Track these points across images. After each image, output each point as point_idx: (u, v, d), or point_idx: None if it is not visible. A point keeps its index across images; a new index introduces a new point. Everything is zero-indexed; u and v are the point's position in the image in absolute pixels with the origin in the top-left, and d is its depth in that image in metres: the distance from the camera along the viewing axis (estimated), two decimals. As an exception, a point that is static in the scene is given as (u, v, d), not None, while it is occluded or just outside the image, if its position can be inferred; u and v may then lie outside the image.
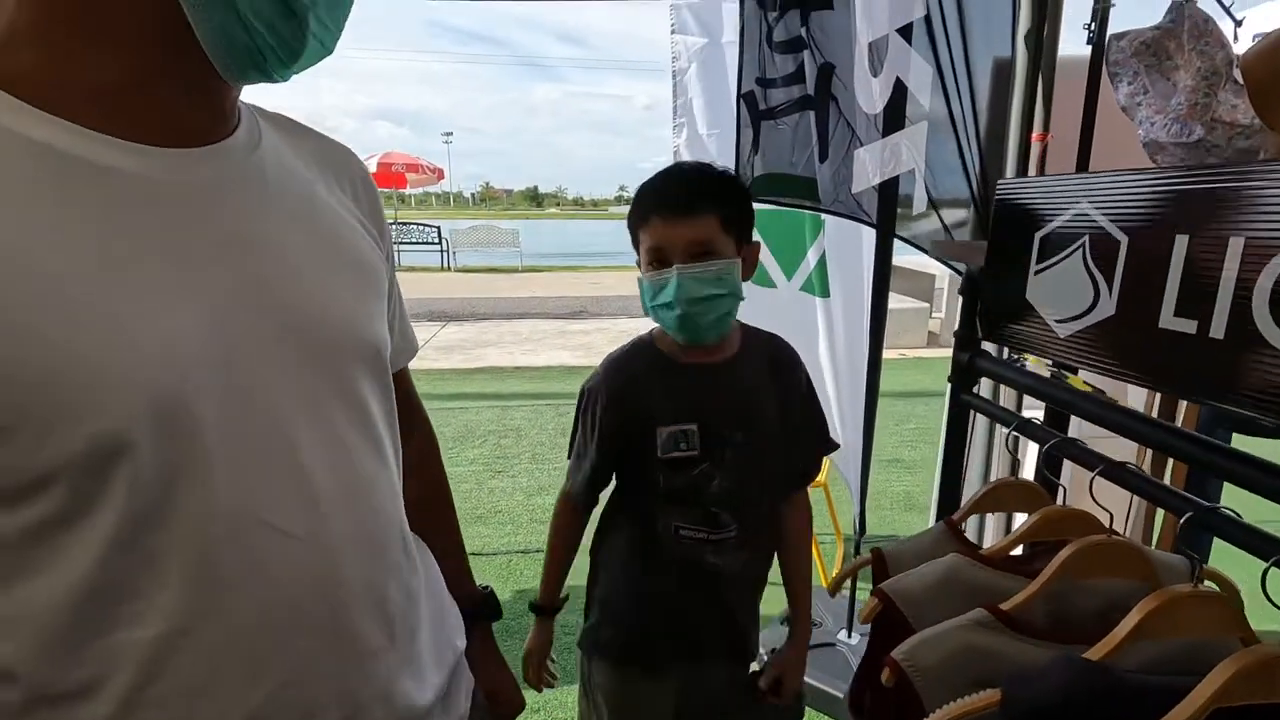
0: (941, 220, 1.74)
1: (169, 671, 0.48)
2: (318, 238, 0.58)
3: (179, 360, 0.46)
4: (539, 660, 1.25)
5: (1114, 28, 1.47)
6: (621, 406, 1.10)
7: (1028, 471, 1.80)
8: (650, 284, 1.02)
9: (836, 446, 1.23)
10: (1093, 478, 0.73)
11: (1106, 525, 0.78)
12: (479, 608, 0.86)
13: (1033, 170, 1.58)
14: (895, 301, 6.94)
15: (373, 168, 13.95)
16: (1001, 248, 0.77)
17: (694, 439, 1.07)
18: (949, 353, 0.98)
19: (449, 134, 66.66)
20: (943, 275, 6.54)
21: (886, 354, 2.01)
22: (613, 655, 1.19)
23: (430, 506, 0.81)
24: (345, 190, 0.63)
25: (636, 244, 1.05)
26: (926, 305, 7.47)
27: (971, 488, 1.63)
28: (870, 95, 1.70)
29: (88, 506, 0.45)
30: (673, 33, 2.31)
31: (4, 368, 0.41)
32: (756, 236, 1.09)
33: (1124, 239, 0.60)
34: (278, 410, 0.52)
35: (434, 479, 0.85)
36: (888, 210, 1.75)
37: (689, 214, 0.98)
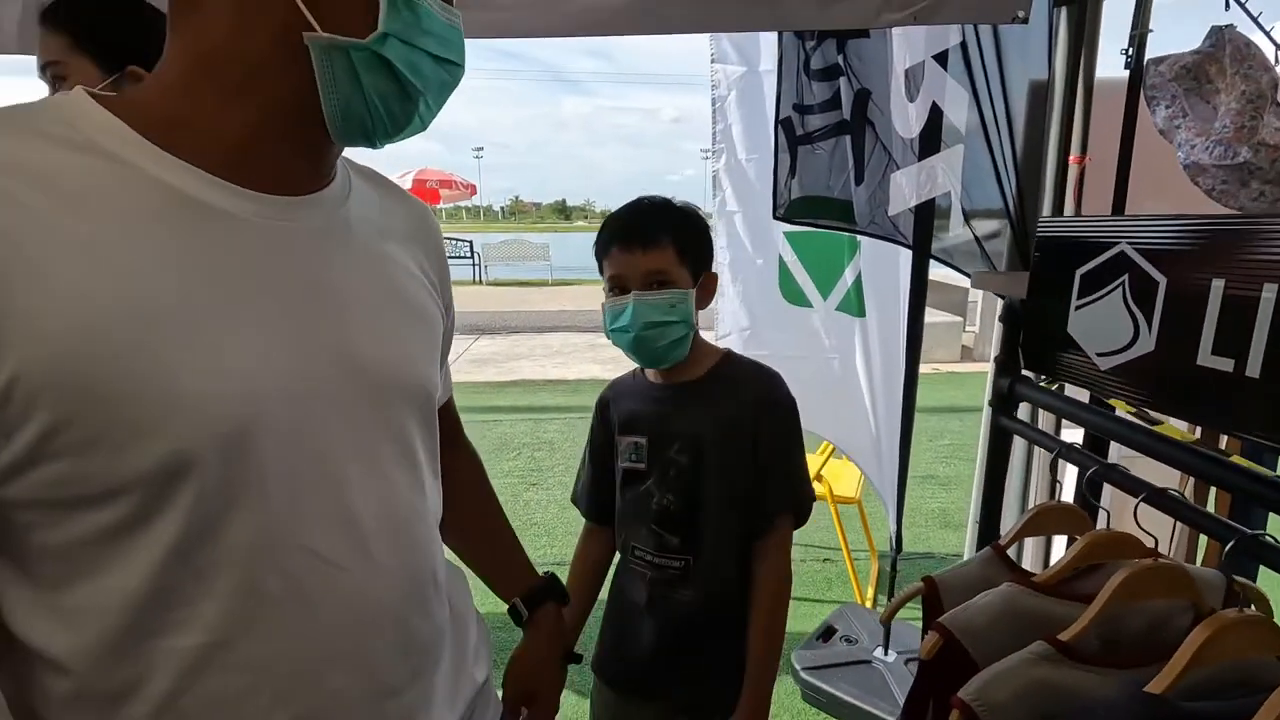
0: (975, 236, 1.76)
1: (203, 682, 0.52)
2: (386, 288, 0.62)
3: (249, 393, 0.50)
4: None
5: (1150, 52, 1.49)
6: (603, 415, 1.20)
7: (1067, 493, 1.79)
8: (610, 309, 1.08)
9: (800, 508, 1.14)
10: (1137, 504, 0.76)
11: (1152, 549, 0.80)
12: (546, 593, 0.90)
13: (1070, 193, 1.59)
14: (929, 316, 6.87)
15: (407, 184, 14.27)
16: (1043, 282, 0.80)
17: (643, 452, 1.12)
18: (983, 367, 1.01)
19: (480, 149, 67.75)
20: (976, 289, 6.46)
21: (920, 369, 2.02)
22: (600, 673, 1.22)
23: (485, 518, 0.88)
24: (417, 244, 0.69)
25: (601, 271, 1.11)
26: (960, 319, 7.39)
27: (1009, 508, 1.63)
28: (906, 120, 1.73)
29: (152, 517, 0.48)
30: (712, 61, 2.38)
31: (98, 384, 0.45)
32: (720, 262, 1.13)
33: (1162, 280, 0.63)
34: (333, 445, 0.55)
35: (486, 494, 0.90)
36: (924, 231, 1.78)
37: (646, 245, 1.05)
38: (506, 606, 0.89)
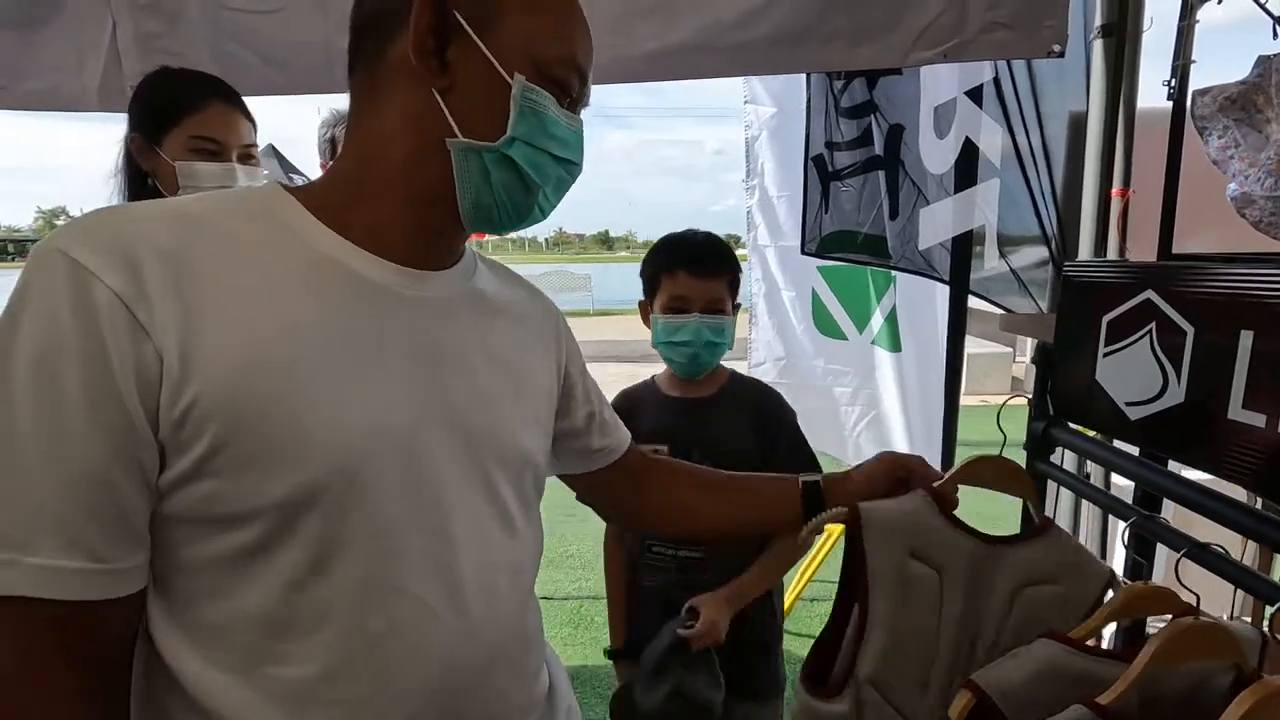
0: (1011, 269, 1.72)
1: (305, 714, 0.55)
2: (495, 358, 0.68)
3: (367, 437, 0.55)
4: None
5: (1194, 82, 1.45)
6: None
7: (1118, 545, 1.71)
8: (667, 324, 1.24)
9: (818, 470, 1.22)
10: (1178, 560, 0.72)
11: (1192, 605, 0.76)
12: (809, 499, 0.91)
13: (1114, 227, 1.55)
14: (977, 346, 6.71)
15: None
16: (1070, 327, 0.78)
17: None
18: None
19: (525, 183, 69.11)
20: (1027, 318, 6.27)
21: (968, 400, 1.97)
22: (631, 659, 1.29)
23: (710, 477, 0.97)
24: (532, 324, 0.76)
25: (654, 288, 1.27)
26: (1009, 350, 7.17)
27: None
28: (936, 156, 1.72)
29: (277, 544, 0.53)
30: (745, 103, 2.43)
31: (252, 414, 0.51)
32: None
33: (1190, 329, 0.61)
34: (439, 496, 0.60)
35: (697, 472, 0.98)
36: (961, 265, 1.75)
37: (712, 273, 1.22)
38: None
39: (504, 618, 0.65)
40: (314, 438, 0.53)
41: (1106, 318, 0.70)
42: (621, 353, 9.71)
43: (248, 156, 1.19)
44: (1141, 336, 0.66)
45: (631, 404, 1.33)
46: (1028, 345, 7.37)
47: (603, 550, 1.39)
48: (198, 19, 1.45)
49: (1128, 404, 0.68)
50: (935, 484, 0.79)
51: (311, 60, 1.49)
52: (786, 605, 2.50)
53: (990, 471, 0.81)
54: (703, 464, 1.16)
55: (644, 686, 1.13)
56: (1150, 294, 0.65)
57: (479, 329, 0.67)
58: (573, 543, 3.52)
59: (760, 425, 1.27)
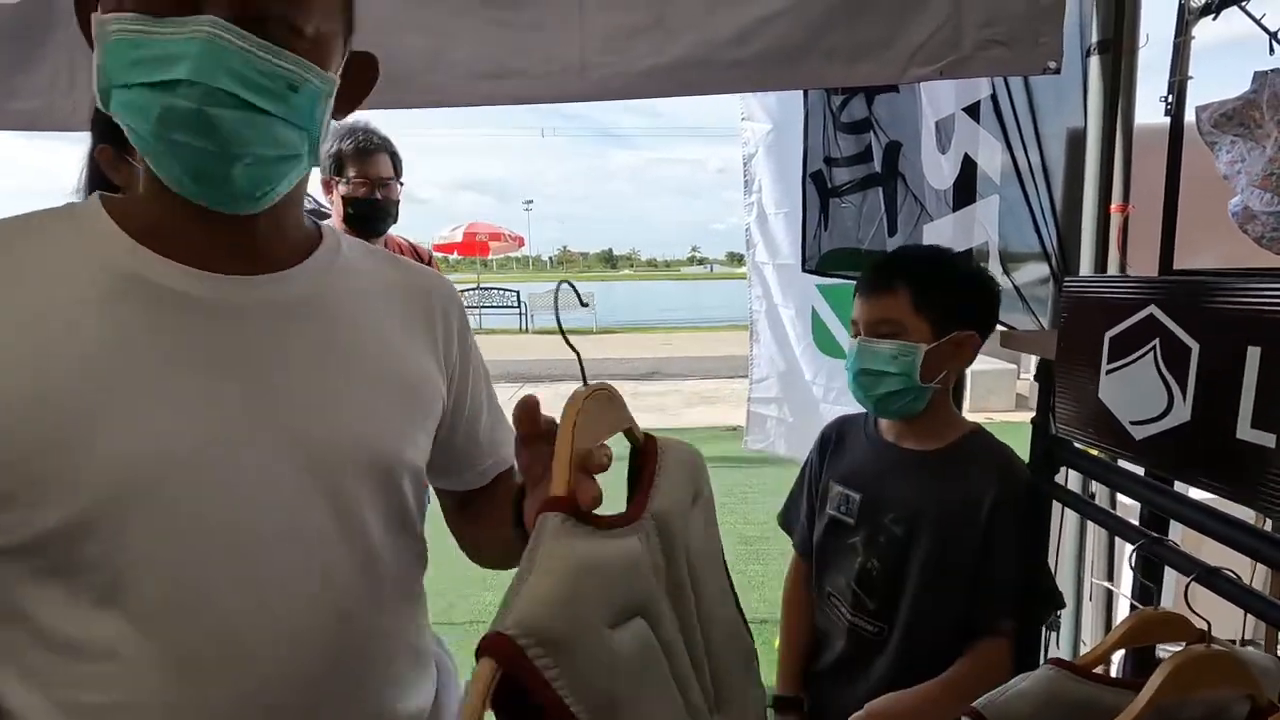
0: (1014, 285, 1.71)
1: None
2: (359, 362, 0.62)
3: (158, 457, 0.52)
4: None
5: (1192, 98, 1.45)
6: (820, 449, 1.20)
7: (1128, 554, 1.68)
8: (847, 350, 1.09)
9: (1032, 617, 1.01)
10: (1188, 585, 0.70)
11: (1203, 631, 0.73)
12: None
13: (1114, 243, 1.54)
14: (981, 363, 6.66)
15: (458, 237, 14.78)
16: (1072, 344, 0.76)
17: (854, 508, 1.08)
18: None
19: (529, 201, 70.10)
20: (1029, 335, 6.25)
21: (974, 417, 1.94)
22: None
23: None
24: (419, 319, 0.69)
25: None
26: (1014, 366, 7.14)
27: (1065, 579, 1.53)
28: (938, 172, 1.71)
29: (64, 572, 0.52)
30: (742, 119, 2.44)
31: (23, 456, 0.50)
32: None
33: (1195, 345, 0.59)
34: (250, 514, 0.56)
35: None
36: (961, 283, 1.74)
37: (877, 291, 1.04)
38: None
39: (347, 637, 0.60)
40: (83, 469, 0.50)
41: (1109, 334, 0.68)
42: (623, 370, 9.71)
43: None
44: (1145, 353, 0.64)
45: (839, 431, 1.19)
46: (1032, 362, 7.36)
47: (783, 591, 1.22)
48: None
49: (1132, 423, 0.66)
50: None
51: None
52: None
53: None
54: (894, 529, 1.02)
55: None
56: (1153, 309, 0.63)
57: (332, 331, 0.62)
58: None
59: (979, 506, 0.99)
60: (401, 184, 1.95)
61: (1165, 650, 1.06)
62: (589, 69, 1.49)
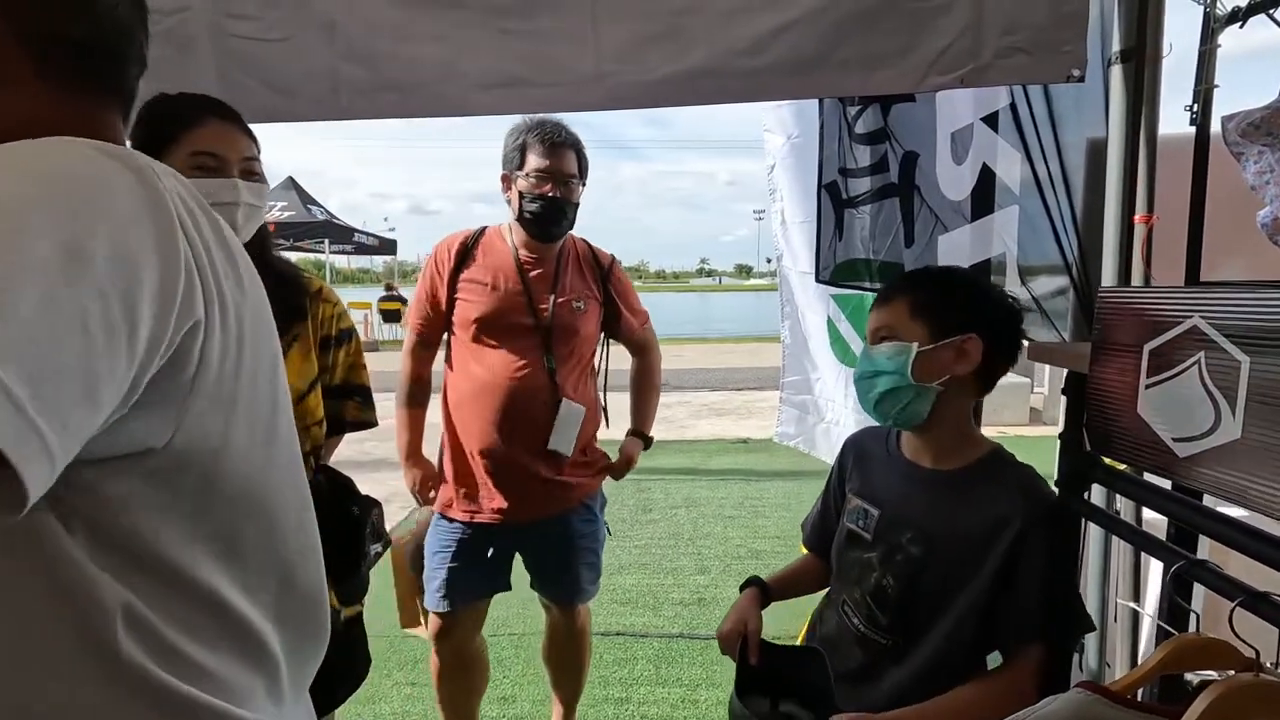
0: (1033, 296, 1.68)
1: None
2: None
3: None
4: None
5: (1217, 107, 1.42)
6: (841, 462, 1.22)
7: (1154, 574, 1.63)
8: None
9: (1063, 640, 0.99)
10: (1232, 609, 0.66)
11: (1251, 659, 0.70)
12: None
13: (1137, 253, 1.50)
14: (991, 376, 6.61)
15: (468, 248, 14.81)
16: (1107, 357, 0.73)
17: (872, 523, 1.09)
18: (1054, 431, 0.91)
19: (538, 214, 70.02)
20: (1043, 348, 6.19)
21: (986, 431, 1.90)
22: None
23: None
24: None
25: None
26: (1027, 380, 7.07)
27: (1088, 590, 1.49)
28: (954, 182, 1.69)
29: None
30: (765, 131, 2.45)
31: None
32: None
33: (1245, 360, 0.56)
34: None
35: None
36: (979, 295, 1.71)
37: (880, 303, 1.08)
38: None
39: None
40: None
41: (1149, 346, 0.65)
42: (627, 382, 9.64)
43: (250, 171, 1.16)
44: (1189, 367, 0.61)
45: (861, 444, 1.20)
46: (1045, 376, 7.26)
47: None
48: (207, 47, 1.46)
49: (1175, 440, 0.63)
50: None
51: (317, 88, 1.49)
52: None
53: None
54: (911, 549, 1.03)
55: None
56: (1198, 321, 0.60)
57: None
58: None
59: (1002, 529, 0.97)
60: (583, 186, 1.73)
61: (1195, 676, 1.02)
62: (603, 78, 1.48)
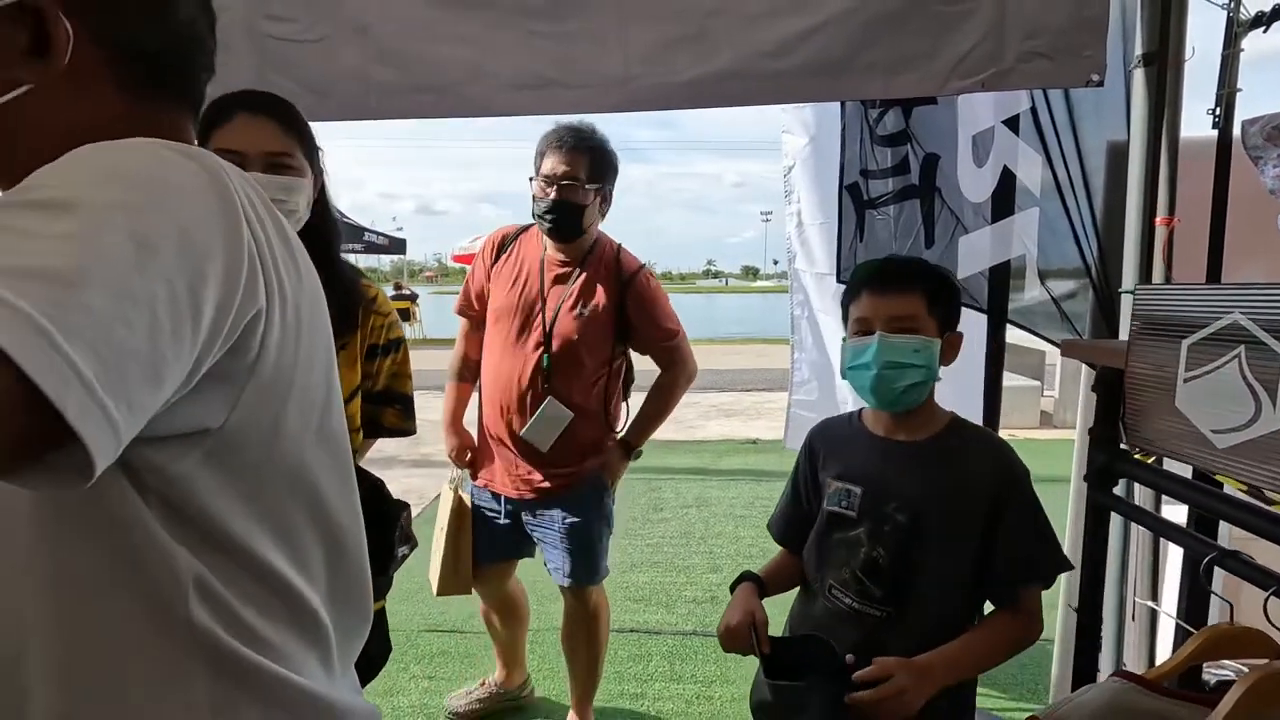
0: (1052, 297, 1.70)
1: None
2: None
3: None
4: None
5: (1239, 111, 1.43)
6: (810, 452, 1.24)
7: (1171, 573, 1.64)
8: (851, 347, 1.11)
9: (1050, 576, 1.08)
10: (1267, 598, 0.68)
11: (1284, 650, 0.71)
12: None
13: (1159, 255, 1.52)
14: (1004, 379, 6.59)
15: (478, 248, 14.87)
16: (1145, 354, 0.75)
17: (855, 501, 1.12)
18: (1063, 434, 0.94)
19: (545, 215, 70.06)
20: (1054, 352, 6.19)
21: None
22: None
23: None
24: None
25: (846, 318, 1.17)
26: (1038, 383, 7.06)
27: (1108, 598, 1.50)
28: (974, 184, 1.71)
29: None
30: (783, 132, 2.46)
31: None
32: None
33: (1287, 353, 0.58)
34: None
35: None
36: (1000, 295, 1.73)
37: (897, 289, 1.08)
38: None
39: None
40: None
41: (1187, 342, 0.67)
42: (638, 382, 9.67)
43: (277, 165, 1.12)
44: (1229, 361, 0.63)
45: (824, 434, 1.24)
46: (1056, 379, 7.23)
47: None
48: (244, 48, 1.49)
49: (1214, 431, 0.65)
50: None
51: (351, 88, 1.52)
52: None
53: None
54: (899, 517, 1.07)
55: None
56: (1238, 317, 0.62)
57: None
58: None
59: (981, 487, 1.06)
60: (595, 189, 1.73)
61: (1211, 669, 1.03)
62: (631, 80, 1.50)
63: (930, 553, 1.06)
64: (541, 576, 2.04)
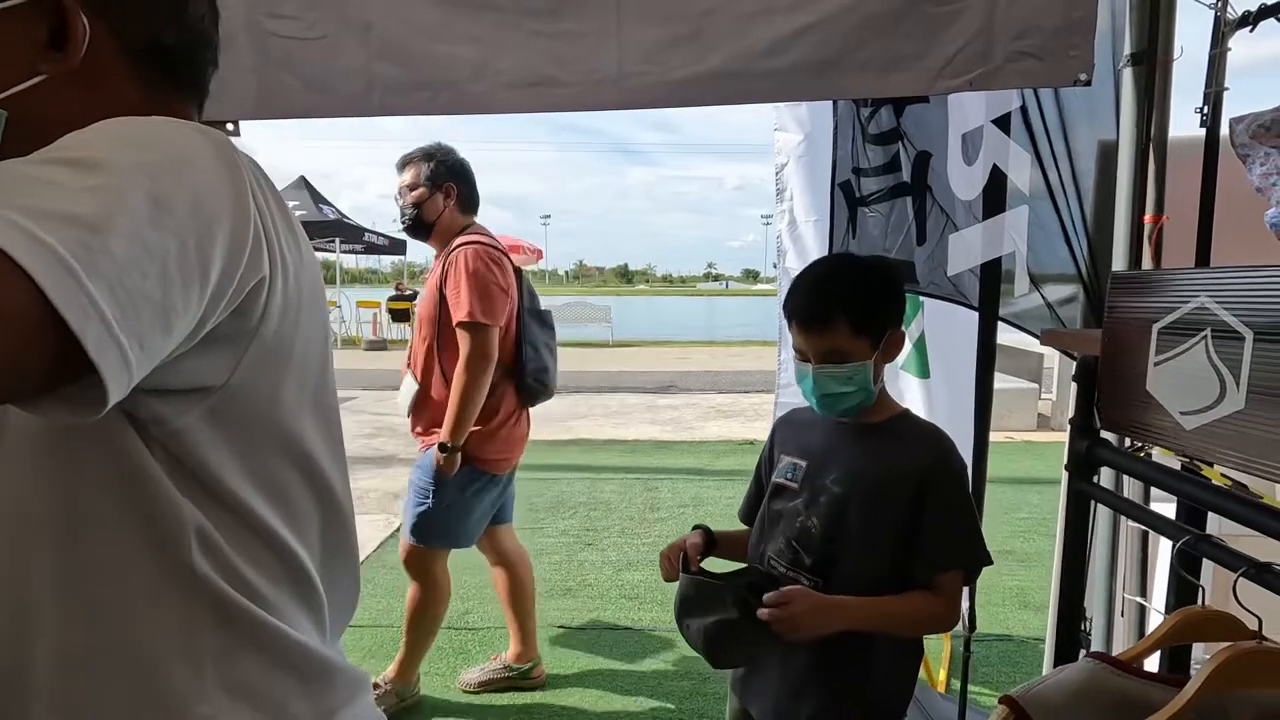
0: (1045, 301, 1.71)
1: None
2: None
3: None
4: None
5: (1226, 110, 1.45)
6: (772, 436, 1.33)
7: (1160, 568, 1.66)
8: (796, 370, 1.19)
9: (973, 567, 1.15)
10: (1235, 579, 0.70)
11: (1254, 631, 0.73)
12: None
13: (1148, 253, 1.54)
14: (1002, 382, 6.62)
15: (477, 249, 14.86)
16: (1118, 338, 0.77)
17: (799, 473, 1.20)
18: (1063, 437, 0.96)
19: (547, 216, 70.69)
20: (1051, 354, 6.21)
21: (994, 437, 1.94)
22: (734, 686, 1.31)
23: None
24: None
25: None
26: (1035, 386, 7.07)
27: (1095, 584, 1.52)
28: (964, 182, 1.73)
29: None
30: (775, 130, 2.48)
31: None
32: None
33: (1248, 334, 0.60)
34: None
35: None
36: (990, 293, 1.74)
37: (820, 326, 1.13)
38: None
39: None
40: None
41: (1157, 326, 0.69)
42: (638, 383, 9.72)
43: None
44: (1196, 343, 0.65)
45: (791, 417, 1.33)
46: (1054, 382, 7.24)
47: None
48: (245, 45, 1.51)
49: (1182, 413, 0.67)
50: None
51: (352, 85, 1.54)
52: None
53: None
54: (834, 488, 1.15)
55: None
56: (1204, 299, 0.64)
57: None
58: (590, 571, 3.48)
59: (913, 467, 1.12)
60: (432, 188, 2.17)
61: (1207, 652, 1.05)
62: (627, 78, 1.52)
63: (859, 525, 1.12)
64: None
